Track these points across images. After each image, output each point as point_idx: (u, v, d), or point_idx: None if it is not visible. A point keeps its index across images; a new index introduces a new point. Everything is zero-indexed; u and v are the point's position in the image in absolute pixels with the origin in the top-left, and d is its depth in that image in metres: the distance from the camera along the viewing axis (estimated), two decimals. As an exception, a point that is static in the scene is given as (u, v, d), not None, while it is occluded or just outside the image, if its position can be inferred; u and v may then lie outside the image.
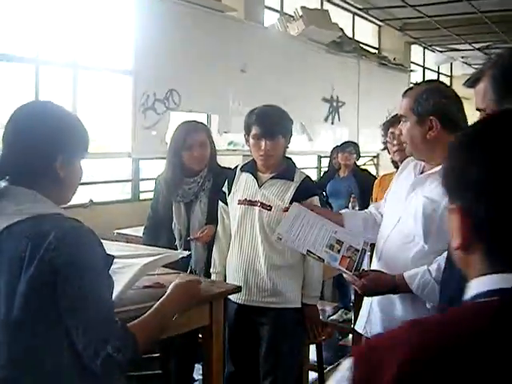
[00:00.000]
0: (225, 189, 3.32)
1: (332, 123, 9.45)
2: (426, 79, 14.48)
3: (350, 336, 5.09)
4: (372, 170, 11.63)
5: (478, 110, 1.79)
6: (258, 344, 3.26)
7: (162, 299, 2.09)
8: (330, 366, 4.53)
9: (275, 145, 3.16)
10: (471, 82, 1.79)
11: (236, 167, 3.38)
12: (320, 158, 9.90)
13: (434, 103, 2.31)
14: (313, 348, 3.98)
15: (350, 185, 6.47)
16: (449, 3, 9.38)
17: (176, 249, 3.75)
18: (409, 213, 2.39)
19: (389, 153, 3.95)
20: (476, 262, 0.99)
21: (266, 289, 3.17)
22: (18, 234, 1.67)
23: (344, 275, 2.46)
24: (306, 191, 3.16)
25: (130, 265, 2.76)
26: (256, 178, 3.21)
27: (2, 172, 1.77)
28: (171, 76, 6.20)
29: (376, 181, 4.99)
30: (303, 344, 3.48)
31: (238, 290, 3.08)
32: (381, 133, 3.99)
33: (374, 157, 11.84)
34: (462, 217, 0.98)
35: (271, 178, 3.19)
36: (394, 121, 3.52)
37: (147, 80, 5.97)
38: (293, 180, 3.18)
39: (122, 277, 2.52)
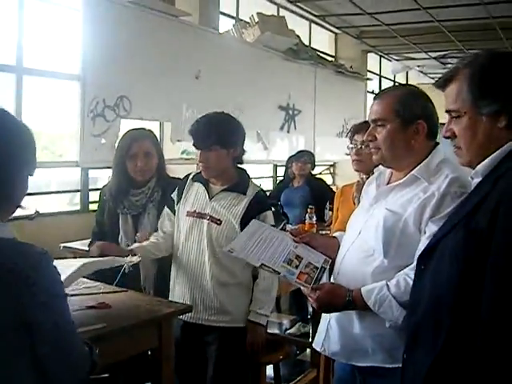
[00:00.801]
0: (174, 196, 3.15)
1: (288, 131, 9.30)
2: (382, 88, 14.56)
3: (308, 351, 4.97)
4: (328, 179, 11.60)
5: (447, 111, 1.75)
6: (206, 364, 3.10)
7: None
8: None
9: (210, 155, 3.03)
10: (443, 82, 1.74)
11: (188, 175, 3.21)
12: (276, 166, 9.76)
13: (423, 106, 2.22)
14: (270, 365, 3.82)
15: (304, 194, 6.43)
16: (406, 11, 9.36)
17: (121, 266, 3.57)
18: (370, 225, 2.27)
19: None
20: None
21: (212, 306, 3.04)
22: None
23: (301, 288, 2.30)
24: (258, 206, 3.03)
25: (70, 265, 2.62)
26: (207, 190, 3.05)
27: None
28: (122, 82, 5.96)
29: (337, 191, 4.88)
30: (252, 365, 3.30)
31: (188, 309, 2.91)
32: (347, 139, 3.83)
33: (331, 166, 11.79)
34: None
35: (223, 191, 3.07)
36: (361, 128, 3.36)
37: (96, 86, 5.71)
38: (245, 194, 3.04)
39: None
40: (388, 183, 2.37)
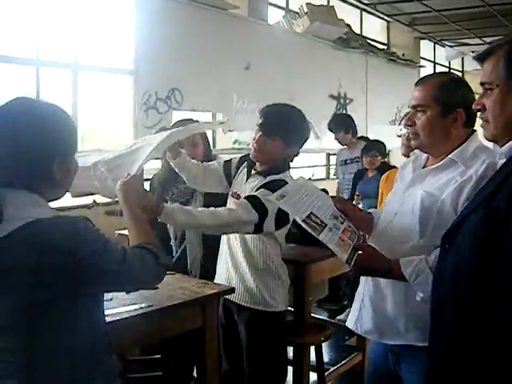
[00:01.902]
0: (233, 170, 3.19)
1: (340, 121, 9.35)
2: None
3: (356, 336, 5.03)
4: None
5: (481, 83, 1.78)
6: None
7: (125, 213, 2.23)
8: (333, 368, 4.46)
9: (268, 142, 2.98)
10: (483, 55, 1.76)
11: (241, 158, 3.22)
12: (328, 155, 9.82)
13: (463, 95, 2.24)
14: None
15: (377, 185, 6.43)
16: (457, -4, 9.27)
17: (171, 250, 3.70)
18: (406, 207, 2.32)
19: None
20: None
21: (246, 288, 3.08)
22: (23, 242, 1.61)
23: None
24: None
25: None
26: (248, 173, 3.11)
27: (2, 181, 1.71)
28: (173, 75, 6.15)
29: (383, 176, 4.96)
30: (282, 349, 3.37)
31: (230, 291, 3.03)
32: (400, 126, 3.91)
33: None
34: None
35: (257, 173, 3.06)
36: None
37: (148, 79, 5.93)
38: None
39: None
40: (424, 167, 2.41)
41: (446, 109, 2.24)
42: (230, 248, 3.10)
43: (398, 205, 2.40)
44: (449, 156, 2.24)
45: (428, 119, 2.27)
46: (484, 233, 1.61)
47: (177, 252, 3.69)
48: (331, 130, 6.40)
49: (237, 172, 3.17)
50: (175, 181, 3.56)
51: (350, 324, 2.54)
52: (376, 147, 6.55)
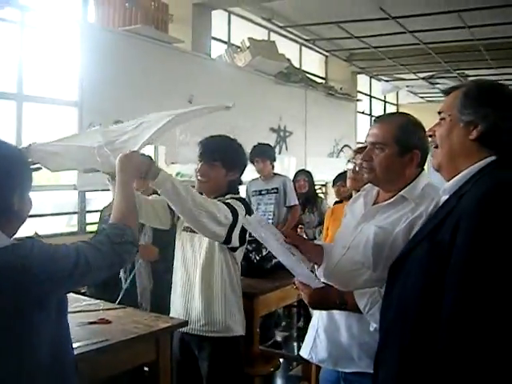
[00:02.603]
0: None
1: (279, 153, 9.49)
2: (371, 111, 14.82)
3: (301, 366, 5.10)
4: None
5: (438, 112, 1.94)
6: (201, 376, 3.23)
7: (117, 178, 2.39)
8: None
9: (209, 169, 3.11)
10: (450, 89, 1.95)
11: None
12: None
13: (420, 138, 2.35)
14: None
15: None
16: (393, 35, 9.62)
17: (120, 280, 3.71)
18: (359, 241, 2.42)
19: None
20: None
21: (208, 316, 3.11)
22: None
23: (296, 279, 2.40)
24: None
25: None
26: None
27: None
28: (117, 107, 6.15)
29: (328, 210, 5.09)
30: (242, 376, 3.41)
31: (184, 324, 3.07)
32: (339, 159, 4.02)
33: (323, 185, 11.97)
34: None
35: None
36: (363, 150, 3.53)
37: (93, 111, 5.92)
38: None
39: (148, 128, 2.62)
40: (375, 202, 2.53)
41: (403, 149, 2.36)
42: (188, 277, 3.13)
43: (350, 239, 2.49)
44: (400, 193, 2.37)
45: (386, 157, 2.38)
46: (429, 265, 1.73)
47: (126, 283, 3.71)
48: (252, 161, 6.19)
49: None
50: None
51: (304, 354, 2.64)
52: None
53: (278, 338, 6.83)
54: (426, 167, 2.42)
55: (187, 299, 3.14)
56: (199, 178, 3.13)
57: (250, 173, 5.95)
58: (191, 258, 3.15)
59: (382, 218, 2.40)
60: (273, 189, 6.54)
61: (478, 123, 1.80)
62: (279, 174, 6.73)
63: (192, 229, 3.06)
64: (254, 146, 6.33)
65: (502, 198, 1.62)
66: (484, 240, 1.58)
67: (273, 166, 6.51)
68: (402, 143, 2.35)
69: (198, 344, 3.15)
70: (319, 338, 2.55)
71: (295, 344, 6.68)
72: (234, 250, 3.09)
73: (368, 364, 2.28)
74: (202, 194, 3.06)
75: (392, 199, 2.39)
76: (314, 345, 2.58)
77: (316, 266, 2.66)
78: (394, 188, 2.42)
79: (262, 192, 6.60)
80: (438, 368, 1.62)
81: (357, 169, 3.64)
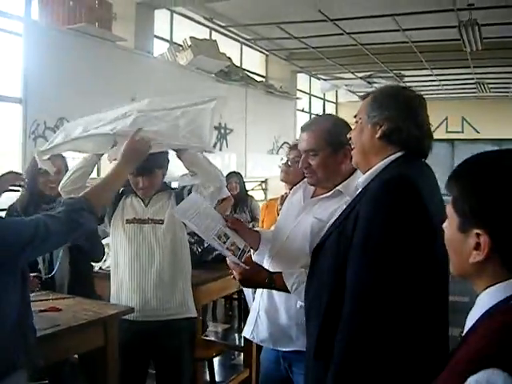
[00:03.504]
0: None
1: (220, 149, 9.68)
2: (311, 109, 15.12)
3: (242, 356, 5.31)
4: (260, 194, 12.00)
5: (354, 116, 2.21)
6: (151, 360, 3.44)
7: (118, 161, 2.74)
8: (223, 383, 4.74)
9: (153, 179, 3.39)
10: (364, 96, 2.22)
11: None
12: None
13: (347, 134, 2.51)
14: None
15: None
16: (331, 36, 9.86)
17: (40, 273, 3.85)
18: (298, 231, 2.67)
19: None
20: (492, 270, 1.29)
21: (175, 300, 3.39)
22: None
23: (228, 258, 2.63)
24: (183, 190, 3.44)
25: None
26: (141, 199, 3.40)
27: None
28: (62, 104, 6.23)
29: (262, 205, 5.35)
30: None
31: (130, 311, 3.25)
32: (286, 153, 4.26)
33: (263, 182, 12.19)
34: (489, 238, 1.26)
35: (155, 194, 3.44)
36: (295, 146, 3.76)
37: (37, 108, 5.99)
38: (172, 189, 3.49)
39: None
40: (313, 196, 2.76)
41: (335, 148, 2.61)
42: (147, 267, 3.35)
43: (290, 228, 2.73)
44: (337, 188, 2.61)
45: (322, 159, 2.63)
46: (338, 249, 2.02)
47: (46, 274, 3.83)
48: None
49: (117, 206, 3.46)
50: (37, 204, 3.74)
51: (246, 334, 2.86)
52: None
53: (219, 329, 7.06)
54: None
55: (147, 289, 3.34)
56: (144, 188, 3.41)
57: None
58: (150, 248, 3.35)
59: (320, 210, 2.64)
60: None
61: (383, 124, 2.06)
62: None
63: (141, 220, 3.29)
64: None
65: (393, 188, 1.89)
66: (375, 224, 1.88)
67: None
68: (332, 144, 2.60)
69: (162, 330, 3.36)
70: (260, 318, 2.77)
71: (236, 335, 6.90)
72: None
73: (304, 343, 2.48)
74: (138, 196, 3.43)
75: (330, 193, 2.64)
76: (255, 325, 2.79)
77: (252, 251, 2.85)
78: (330, 184, 2.66)
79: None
80: (344, 330, 1.89)
81: (289, 163, 3.91)
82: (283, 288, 2.53)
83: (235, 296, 7.28)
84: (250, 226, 6.88)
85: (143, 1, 7.88)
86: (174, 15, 9.46)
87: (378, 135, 2.07)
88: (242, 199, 7.43)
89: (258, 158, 10.95)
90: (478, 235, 1.27)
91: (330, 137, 2.60)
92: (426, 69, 12.26)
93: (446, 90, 15.79)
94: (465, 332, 1.32)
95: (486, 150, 1.42)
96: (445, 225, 1.42)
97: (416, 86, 14.80)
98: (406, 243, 1.82)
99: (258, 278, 2.59)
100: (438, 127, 16.60)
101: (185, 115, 3.24)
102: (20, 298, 2.17)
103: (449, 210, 1.38)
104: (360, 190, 2.12)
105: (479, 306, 1.31)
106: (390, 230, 1.84)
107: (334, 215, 2.51)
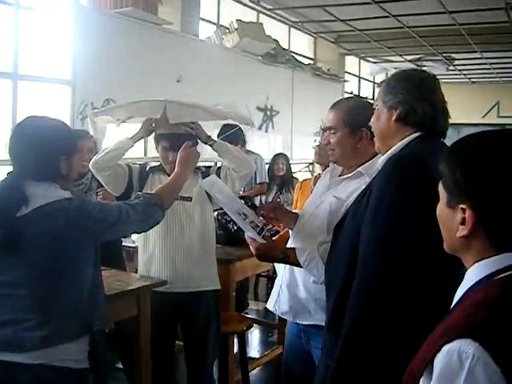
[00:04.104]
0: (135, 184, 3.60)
1: (266, 131, 9.80)
2: (360, 92, 15.07)
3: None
4: (307, 176, 12.05)
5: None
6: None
7: (177, 167, 3.05)
8: (256, 358, 4.90)
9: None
10: (380, 83, 2.38)
11: (143, 167, 3.72)
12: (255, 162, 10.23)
13: (366, 116, 2.59)
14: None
15: None
16: (377, 18, 9.86)
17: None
18: (320, 209, 2.79)
19: None
20: (479, 245, 1.35)
21: (205, 273, 3.59)
22: (55, 210, 2.29)
23: (246, 235, 2.82)
24: (208, 169, 3.68)
25: None
26: (169, 176, 3.55)
27: (24, 174, 2.33)
28: (108, 86, 6.44)
29: (297, 185, 5.50)
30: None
31: (163, 283, 3.41)
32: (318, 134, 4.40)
33: (310, 164, 12.23)
34: (472, 212, 1.32)
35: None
36: None
37: (85, 89, 6.20)
38: (198, 168, 3.62)
39: None
40: (340, 176, 2.87)
41: (352, 129, 2.71)
42: (178, 241, 3.51)
43: (314, 207, 2.86)
44: (358, 169, 2.71)
45: (338, 138, 2.74)
46: (352, 228, 2.12)
47: None
48: None
49: (145, 183, 3.62)
50: None
51: (270, 306, 3.01)
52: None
53: (260, 307, 7.20)
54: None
55: (177, 262, 3.51)
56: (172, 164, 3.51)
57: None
58: (180, 223, 3.51)
59: (342, 190, 2.76)
60: None
61: (397, 107, 2.14)
62: (252, 152, 7.11)
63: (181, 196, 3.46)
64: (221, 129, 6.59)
65: (402, 166, 1.97)
66: (384, 200, 1.96)
67: (242, 145, 6.68)
68: (349, 125, 2.70)
69: (191, 300, 3.54)
70: (282, 292, 2.90)
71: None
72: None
73: (322, 318, 2.59)
74: (167, 174, 3.57)
75: (351, 173, 2.75)
76: (278, 298, 2.93)
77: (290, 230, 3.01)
78: (353, 164, 2.77)
79: None
80: (354, 300, 1.99)
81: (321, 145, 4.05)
82: (297, 263, 2.66)
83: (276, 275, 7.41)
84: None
85: (190, -16, 8.00)
86: (221, -2, 9.58)
87: (393, 118, 2.14)
88: (287, 180, 7.68)
89: (304, 140, 10.98)
90: (463, 210, 1.33)
91: (349, 117, 2.70)
92: (476, 52, 12.13)
93: (497, 73, 15.55)
94: (452, 305, 1.39)
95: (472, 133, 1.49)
96: (438, 205, 1.49)
97: (466, 70, 14.65)
98: (414, 218, 1.89)
99: (272, 253, 2.74)
100: (488, 112, 16.41)
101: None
102: (93, 270, 2.45)
103: (440, 187, 1.45)
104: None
105: (466, 280, 1.38)
106: (398, 205, 1.92)
107: (352, 194, 2.63)
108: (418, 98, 2.12)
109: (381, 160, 2.20)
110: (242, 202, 2.99)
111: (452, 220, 1.39)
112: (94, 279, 2.45)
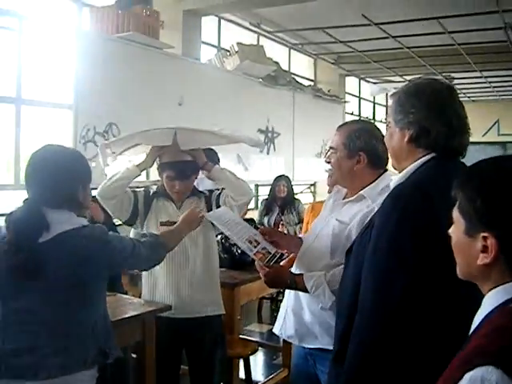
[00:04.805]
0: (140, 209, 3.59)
1: (268, 153, 9.82)
2: (360, 112, 15.12)
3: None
4: (309, 197, 12.09)
5: (385, 119, 2.25)
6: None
7: (178, 223, 3.10)
8: (261, 381, 4.86)
9: (188, 183, 3.57)
10: (391, 95, 2.23)
11: (147, 191, 3.71)
12: (257, 186, 10.27)
13: (366, 141, 2.69)
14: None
15: None
16: (377, 39, 9.92)
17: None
18: (324, 232, 2.79)
19: None
20: (498, 272, 1.33)
21: (210, 299, 3.59)
22: (76, 237, 2.34)
23: (256, 263, 2.82)
24: (211, 194, 3.64)
25: None
26: (173, 202, 3.57)
27: (43, 201, 2.35)
28: (111, 110, 6.47)
29: (308, 207, 5.51)
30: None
31: (167, 308, 3.41)
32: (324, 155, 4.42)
33: (312, 185, 12.27)
34: (496, 240, 1.30)
35: (187, 198, 3.59)
36: None
37: (87, 114, 6.23)
38: (202, 193, 3.65)
39: None
40: (343, 199, 2.88)
41: (350, 152, 2.71)
42: (181, 267, 3.51)
43: (319, 230, 2.86)
44: (360, 192, 2.72)
45: (337, 159, 2.76)
46: (357, 257, 2.11)
47: None
48: None
49: (150, 208, 3.61)
50: None
51: (276, 330, 2.99)
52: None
53: (264, 330, 7.18)
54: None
55: (181, 287, 3.50)
56: (179, 192, 3.57)
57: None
58: (185, 248, 3.49)
59: (345, 213, 2.76)
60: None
61: (409, 127, 2.05)
62: None
63: (174, 222, 3.45)
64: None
65: (401, 203, 1.91)
66: (383, 235, 1.92)
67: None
68: (349, 147, 2.71)
69: (196, 326, 3.52)
70: (288, 316, 2.89)
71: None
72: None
73: (328, 341, 2.62)
74: (170, 198, 3.62)
75: (354, 197, 2.75)
76: (283, 322, 2.91)
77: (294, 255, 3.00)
78: (352, 186, 2.78)
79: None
80: (353, 340, 1.96)
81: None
82: (304, 289, 2.66)
83: (280, 298, 7.41)
84: (297, 228, 7.14)
85: (190, 8, 8.06)
86: (222, 21, 9.67)
87: (405, 139, 2.05)
88: (289, 202, 7.75)
89: (305, 162, 11.05)
90: (484, 238, 1.31)
91: (349, 140, 2.71)
92: (475, 71, 12.18)
93: (496, 91, 15.62)
94: (470, 332, 1.37)
95: (489, 156, 1.44)
96: (451, 230, 1.45)
97: (466, 89, 14.71)
98: (412, 256, 1.82)
99: (280, 279, 2.75)
100: (489, 130, 16.46)
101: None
102: (103, 300, 2.55)
103: (455, 214, 1.42)
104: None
105: (484, 307, 1.36)
106: (397, 244, 1.86)
107: (355, 217, 2.64)
108: (430, 116, 2.01)
109: (392, 183, 2.13)
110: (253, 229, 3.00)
111: (471, 248, 1.36)
112: (103, 311, 2.52)
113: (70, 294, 2.32)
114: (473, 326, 1.38)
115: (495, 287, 1.34)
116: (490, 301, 1.34)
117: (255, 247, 2.82)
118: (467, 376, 1.18)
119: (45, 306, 2.29)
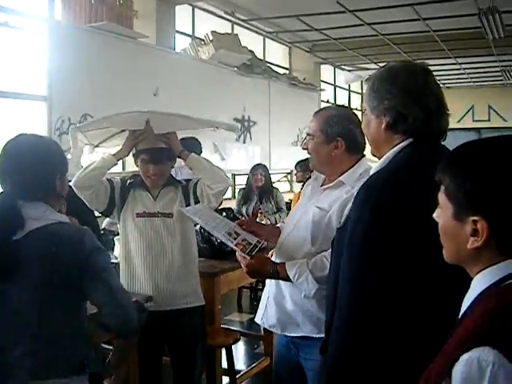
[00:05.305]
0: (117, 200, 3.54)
1: (244, 142, 9.80)
2: (336, 100, 15.13)
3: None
4: (286, 186, 12.09)
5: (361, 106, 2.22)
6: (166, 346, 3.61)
7: None
8: (244, 370, 4.86)
9: (162, 168, 3.49)
10: (365, 80, 2.12)
11: (124, 181, 3.62)
12: (234, 176, 10.23)
13: (343, 127, 2.66)
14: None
15: None
16: (352, 27, 9.90)
17: None
18: (303, 219, 2.75)
19: None
20: (487, 255, 1.32)
21: (191, 290, 3.54)
22: (49, 232, 2.18)
23: (237, 254, 2.78)
24: (188, 183, 3.58)
25: None
26: (150, 193, 3.51)
27: (17, 194, 2.22)
28: (85, 101, 6.40)
29: (294, 195, 5.52)
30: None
31: (149, 299, 3.36)
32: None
33: (288, 173, 12.26)
34: (487, 224, 1.29)
35: (163, 188, 3.54)
36: None
37: (61, 105, 6.16)
38: (179, 182, 3.59)
39: None
40: (322, 186, 2.84)
41: (327, 138, 2.69)
42: (158, 259, 3.45)
43: (298, 218, 2.83)
44: (339, 178, 2.69)
45: (314, 145, 2.73)
46: (338, 247, 2.07)
47: None
48: None
49: (126, 199, 3.54)
50: None
51: (257, 319, 2.95)
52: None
53: (244, 319, 7.17)
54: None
55: (159, 279, 3.44)
56: (154, 177, 3.48)
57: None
58: (162, 240, 3.45)
59: (324, 199, 2.72)
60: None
61: (385, 114, 1.97)
62: None
63: (151, 213, 3.42)
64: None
65: (376, 192, 1.87)
66: (357, 227, 1.87)
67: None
68: (326, 133, 2.68)
69: (175, 318, 3.46)
70: (270, 305, 2.85)
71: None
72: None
73: (311, 329, 2.64)
74: (146, 189, 3.55)
75: (333, 183, 2.72)
76: (265, 311, 2.88)
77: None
78: (330, 172, 2.76)
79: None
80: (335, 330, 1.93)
81: None
82: (287, 278, 2.63)
83: (260, 286, 7.41)
84: (277, 216, 7.11)
85: (164, -3, 8.00)
86: (196, 10, 9.58)
87: (383, 126, 1.98)
88: (267, 191, 7.67)
89: (282, 150, 11.04)
90: (474, 222, 1.29)
91: (326, 126, 2.68)
92: (450, 57, 12.24)
93: (471, 78, 15.72)
94: (460, 315, 1.36)
95: (470, 140, 1.43)
96: (436, 214, 1.43)
97: (441, 76, 14.77)
98: (385, 247, 1.80)
99: (263, 269, 2.71)
100: (464, 116, 16.55)
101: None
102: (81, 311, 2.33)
103: (441, 199, 1.39)
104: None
105: (474, 289, 1.35)
106: (369, 236, 1.83)
107: (334, 204, 2.62)
108: (406, 101, 1.93)
109: (372, 170, 2.08)
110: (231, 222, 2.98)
111: (460, 232, 1.34)
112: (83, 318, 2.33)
113: (41, 295, 2.16)
114: (462, 309, 1.36)
115: (484, 269, 1.33)
116: (480, 283, 1.33)
117: (235, 239, 2.79)
118: (464, 357, 1.17)
119: (17, 308, 2.15)
